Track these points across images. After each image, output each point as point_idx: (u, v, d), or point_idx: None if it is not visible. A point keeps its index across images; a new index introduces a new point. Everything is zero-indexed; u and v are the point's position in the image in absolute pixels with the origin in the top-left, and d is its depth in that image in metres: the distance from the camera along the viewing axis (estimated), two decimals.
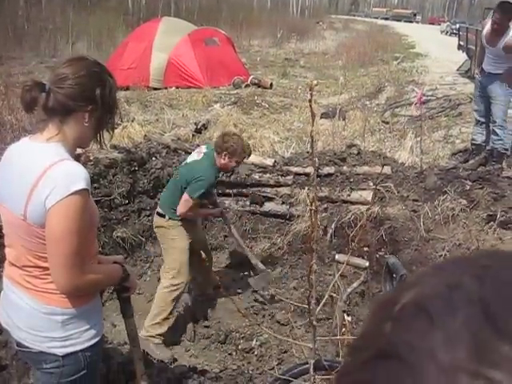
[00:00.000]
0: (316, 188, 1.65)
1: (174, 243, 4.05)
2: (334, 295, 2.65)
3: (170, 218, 4.03)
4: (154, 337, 3.93)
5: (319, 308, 1.66)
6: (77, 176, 1.75)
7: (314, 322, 1.62)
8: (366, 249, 4.59)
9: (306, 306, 1.59)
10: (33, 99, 1.79)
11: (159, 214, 4.10)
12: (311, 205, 1.34)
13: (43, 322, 1.87)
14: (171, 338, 4.12)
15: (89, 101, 1.84)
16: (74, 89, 1.81)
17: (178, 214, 3.94)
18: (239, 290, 4.84)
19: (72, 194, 1.71)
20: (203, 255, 4.37)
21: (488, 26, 6.20)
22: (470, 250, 4.47)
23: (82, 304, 1.91)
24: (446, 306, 0.38)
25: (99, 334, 2.00)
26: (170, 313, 4.01)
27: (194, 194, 3.87)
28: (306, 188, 5.31)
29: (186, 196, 3.90)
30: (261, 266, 4.65)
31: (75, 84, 1.81)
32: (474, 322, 0.36)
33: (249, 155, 4.25)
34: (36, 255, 1.83)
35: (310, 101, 1.30)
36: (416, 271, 3.98)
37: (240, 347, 4.02)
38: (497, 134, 6.28)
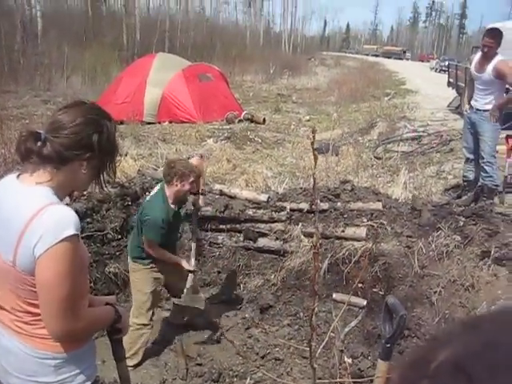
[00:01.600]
0: (317, 231, 1.64)
1: (136, 285, 4.14)
2: (332, 334, 2.61)
3: (133, 258, 4.11)
4: None
5: (319, 351, 1.63)
6: (65, 222, 1.68)
7: (315, 365, 1.59)
8: (360, 285, 4.56)
9: (307, 348, 1.56)
10: (28, 149, 1.73)
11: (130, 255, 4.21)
12: (314, 248, 1.33)
13: (35, 367, 1.80)
14: (164, 377, 4.04)
15: (86, 149, 1.77)
16: (71, 138, 1.74)
17: (146, 255, 4.02)
18: (232, 327, 4.77)
19: (61, 241, 1.65)
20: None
21: (477, 56, 6.32)
22: (464, 287, 4.46)
23: (74, 348, 1.85)
24: (485, 368, 0.37)
25: (93, 377, 1.95)
26: (139, 349, 4.12)
27: (148, 234, 3.94)
28: (300, 224, 5.30)
29: (145, 236, 3.97)
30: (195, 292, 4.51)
31: (71, 133, 1.74)
32: None
33: (198, 175, 4.15)
34: (26, 301, 1.77)
35: (312, 143, 1.30)
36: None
37: None
38: (486, 171, 6.28)
